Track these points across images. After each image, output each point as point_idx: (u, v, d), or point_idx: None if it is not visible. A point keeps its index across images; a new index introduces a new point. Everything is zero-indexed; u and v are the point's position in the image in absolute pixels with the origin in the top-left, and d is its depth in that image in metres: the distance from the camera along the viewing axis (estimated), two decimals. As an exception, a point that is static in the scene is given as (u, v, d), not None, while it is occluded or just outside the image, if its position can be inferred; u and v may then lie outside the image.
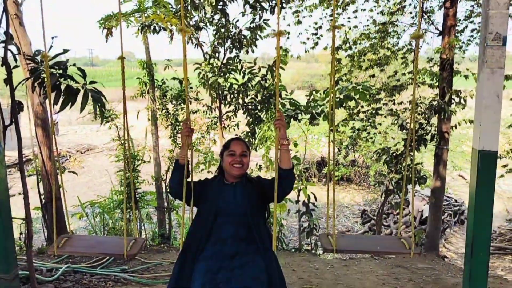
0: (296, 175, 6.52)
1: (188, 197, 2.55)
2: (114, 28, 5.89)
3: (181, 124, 7.09)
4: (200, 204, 2.63)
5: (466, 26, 7.82)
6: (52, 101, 3.00)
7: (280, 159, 2.43)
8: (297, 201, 6.58)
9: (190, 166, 2.60)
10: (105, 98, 3.44)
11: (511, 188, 11.84)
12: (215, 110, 6.92)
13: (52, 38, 3.15)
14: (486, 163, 2.79)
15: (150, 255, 5.65)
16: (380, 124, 7.86)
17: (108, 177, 8.17)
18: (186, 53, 2.48)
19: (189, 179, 2.59)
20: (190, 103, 7.13)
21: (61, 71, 3.31)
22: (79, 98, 3.32)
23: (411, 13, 7.93)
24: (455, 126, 6.73)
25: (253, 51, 6.39)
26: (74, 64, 3.34)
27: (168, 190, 2.68)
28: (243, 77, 6.48)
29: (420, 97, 6.61)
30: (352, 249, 3.00)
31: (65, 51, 3.32)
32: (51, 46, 3.10)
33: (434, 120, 6.71)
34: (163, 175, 7.29)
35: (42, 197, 5.45)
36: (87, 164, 16.21)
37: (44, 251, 5.38)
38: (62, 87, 3.34)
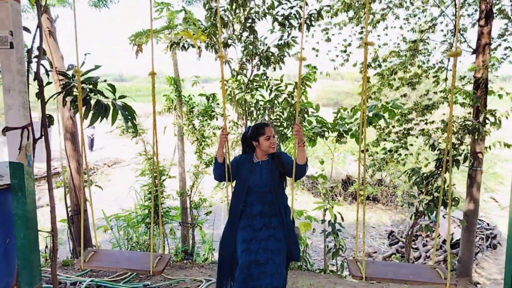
0: (321, 193, 6.41)
1: (228, 177, 3.25)
2: (144, 44, 5.99)
3: (206, 139, 7.10)
4: (237, 178, 3.31)
5: (500, 44, 7.60)
6: (82, 116, 3.03)
7: (297, 157, 3.06)
8: (323, 221, 6.43)
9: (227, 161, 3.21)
10: (134, 112, 3.46)
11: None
12: (241, 126, 6.89)
13: (85, 54, 3.20)
14: (528, 188, 2.62)
15: (173, 271, 5.60)
16: (411, 145, 7.65)
17: (129, 191, 8.23)
18: (224, 76, 2.65)
19: (228, 162, 3.24)
20: (217, 120, 7.14)
21: (91, 86, 3.36)
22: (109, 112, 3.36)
23: (442, 30, 7.77)
24: (489, 147, 6.49)
25: (280, 68, 6.36)
26: (105, 80, 3.38)
27: (214, 178, 3.24)
28: (270, 94, 6.45)
29: (453, 116, 6.41)
30: (382, 277, 2.86)
31: (97, 67, 3.36)
32: (84, 62, 3.14)
33: (467, 140, 6.49)
34: (188, 190, 7.27)
35: (69, 209, 5.50)
36: (114, 177, 16.45)
37: (69, 263, 5.41)
38: (92, 101, 3.39)
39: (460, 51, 2.58)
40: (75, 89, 3.36)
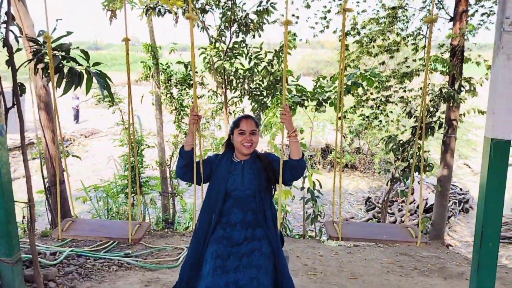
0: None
1: (198, 177, 2.61)
2: (118, 10, 5.80)
3: (185, 109, 7.02)
4: (210, 181, 2.65)
5: (477, 11, 7.63)
6: (55, 84, 2.94)
7: (290, 151, 2.50)
8: (302, 188, 6.54)
9: (197, 152, 2.62)
10: (110, 80, 3.38)
11: (517, 177, 11.76)
12: (220, 95, 6.84)
13: (57, 20, 3.07)
14: (498, 152, 2.70)
15: (154, 239, 5.66)
16: (391, 112, 7.74)
17: (108, 161, 8.15)
18: (194, 41, 2.43)
19: (197, 160, 2.61)
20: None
21: (63, 53, 3.25)
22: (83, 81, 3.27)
23: (421, -3, 7.74)
24: (464, 115, 6.62)
25: (259, 36, 6.28)
26: (78, 47, 3.27)
27: (176, 176, 2.69)
28: (249, 62, 6.39)
29: (430, 84, 6.49)
30: (358, 237, 2.95)
31: (69, 33, 3.24)
32: (55, 28, 3.02)
33: (443, 107, 6.60)
34: (168, 160, 7.26)
35: (46, 180, 5.43)
36: (91, 148, 16.24)
37: (47, 234, 5.38)
38: (65, 69, 3.29)
39: (436, 17, 2.59)
40: (46, 56, 3.25)
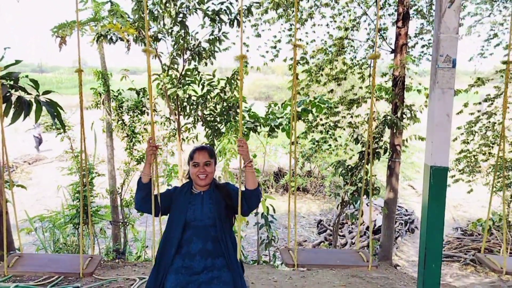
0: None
1: (156, 209, 2.63)
2: (68, 36, 5.70)
3: (137, 135, 6.93)
4: (170, 213, 2.69)
5: (417, 43, 8.22)
6: (2, 114, 2.86)
7: (246, 181, 2.57)
8: (256, 213, 6.59)
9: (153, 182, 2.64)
10: (61, 108, 3.33)
11: (457, 197, 12.50)
12: (173, 121, 6.82)
13: (5, 48, 3.01)
14: (437, 178, 2.92)
15: (104, 271, 5.45)
16: (340, 136, 8.06)
17: (58, 190, 7.84)
18: (151, 74, 2.49)
19: (155, 192, 2.65)
20: (147, 114, 6.99)
21: (12, 82, 3.18)
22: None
23: (366, 29, 8.23)
24: (406, 140, 7.02)
25: (211, 63, 6.39)
26: (27, 76, 3.21)
27: (135, 207, 2.71)
28: (202, 89, 6.45)
29: (375, 112, 6.84)
30: (313, 263, 3.05)
31: (17, 62, 3.19)
32: (3, 57, 2.96)
33: (387, 133, 6.97)
34: (119, 188, 7.08)
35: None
36: (35, 175, 15.47)
37: (-12, 270, 5.05)
38: (13, 98, 3.21)
39: (379, 54, 2.81)
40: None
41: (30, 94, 3.30)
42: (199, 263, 2.53)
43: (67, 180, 7.20)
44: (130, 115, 6.92)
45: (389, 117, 6.46)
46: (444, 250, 9.41)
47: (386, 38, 7.72)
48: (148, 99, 6.89)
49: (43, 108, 3.34)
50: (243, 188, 2.63)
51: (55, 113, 3.35)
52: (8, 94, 3.13)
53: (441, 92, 2.81)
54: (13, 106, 3.17)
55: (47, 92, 3.38)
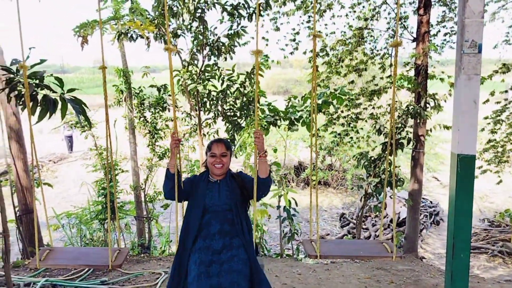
0: (275, 180, 6.59)
1: (181, 196, 2.90)
2: (90, 36, 5.80)
3: (159, 132, 7.01)
4: (190, 199, 2.94)
5: (439, 31, 8.01)
6: (30, 112, 2.93)
7: (259, 169, 2.79)
8: (278, 207, 6.59)
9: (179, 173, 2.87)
10: (86, 106, 3.39)
11: (482, 188, 12.22)
12: (194, 117, 6.87)
13: (30, 48, 3.07)
14: (464, 167, 2.86)
15: (130, 265, 5.55)
16: (362, 128, 7.96)
17: (83, 187, 8.00)
18: (172, 71, 2.54)
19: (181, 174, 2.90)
20: (169, 111, 7.06)
21: (37, 81, 3.24)
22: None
23: (386, 18, 8.08)
24: (430, 130, 6.89)
25: (231, 58, 6.39)
26: (52, 75, 3.27)
27: (164, 196, 2.94)
28: (222, 84, 6.47)
29: (397, 102, 6.73)
30: (336, 254, 3.04)
31: (42, 61, 3.25)
32: (28, 56, 3.02)
33: (410, 123, 6.85)
34: (142, 184, 7.18)
35: (17, 209, 5.28)
36: (61, 174, 15.83)
37: (19, 264, 5.21)
38: (39, 96, 3.28)
39: (400, 42, 2.75)
40: (19, 85, 3.23)
41: (56, 92, 3.37)
42: (218, 242, 2.78)
43: (91, 177, 7.34)
44: (152, 112, 7.00)
45: (412, 107, 6.35)
46: (471, 242, 9.21)
47: (407, 27, 7.56)
48: (169, 95, 6.95)
49: (68, 106, 3.41)
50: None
51: (81, 111, 3.41)
52: (34, 93, 3.20)
53: (467, 78, 2.74)
54: (39, 104, 3.24)
55: (71, 90, 3.44)
